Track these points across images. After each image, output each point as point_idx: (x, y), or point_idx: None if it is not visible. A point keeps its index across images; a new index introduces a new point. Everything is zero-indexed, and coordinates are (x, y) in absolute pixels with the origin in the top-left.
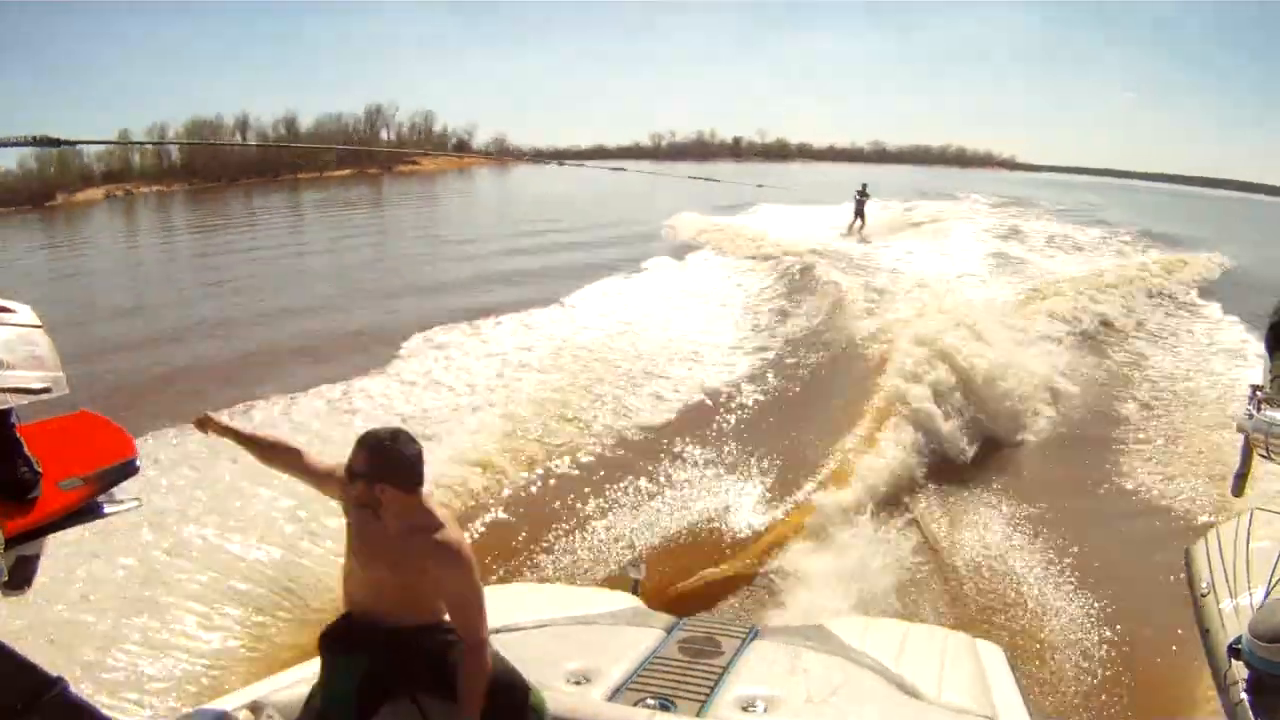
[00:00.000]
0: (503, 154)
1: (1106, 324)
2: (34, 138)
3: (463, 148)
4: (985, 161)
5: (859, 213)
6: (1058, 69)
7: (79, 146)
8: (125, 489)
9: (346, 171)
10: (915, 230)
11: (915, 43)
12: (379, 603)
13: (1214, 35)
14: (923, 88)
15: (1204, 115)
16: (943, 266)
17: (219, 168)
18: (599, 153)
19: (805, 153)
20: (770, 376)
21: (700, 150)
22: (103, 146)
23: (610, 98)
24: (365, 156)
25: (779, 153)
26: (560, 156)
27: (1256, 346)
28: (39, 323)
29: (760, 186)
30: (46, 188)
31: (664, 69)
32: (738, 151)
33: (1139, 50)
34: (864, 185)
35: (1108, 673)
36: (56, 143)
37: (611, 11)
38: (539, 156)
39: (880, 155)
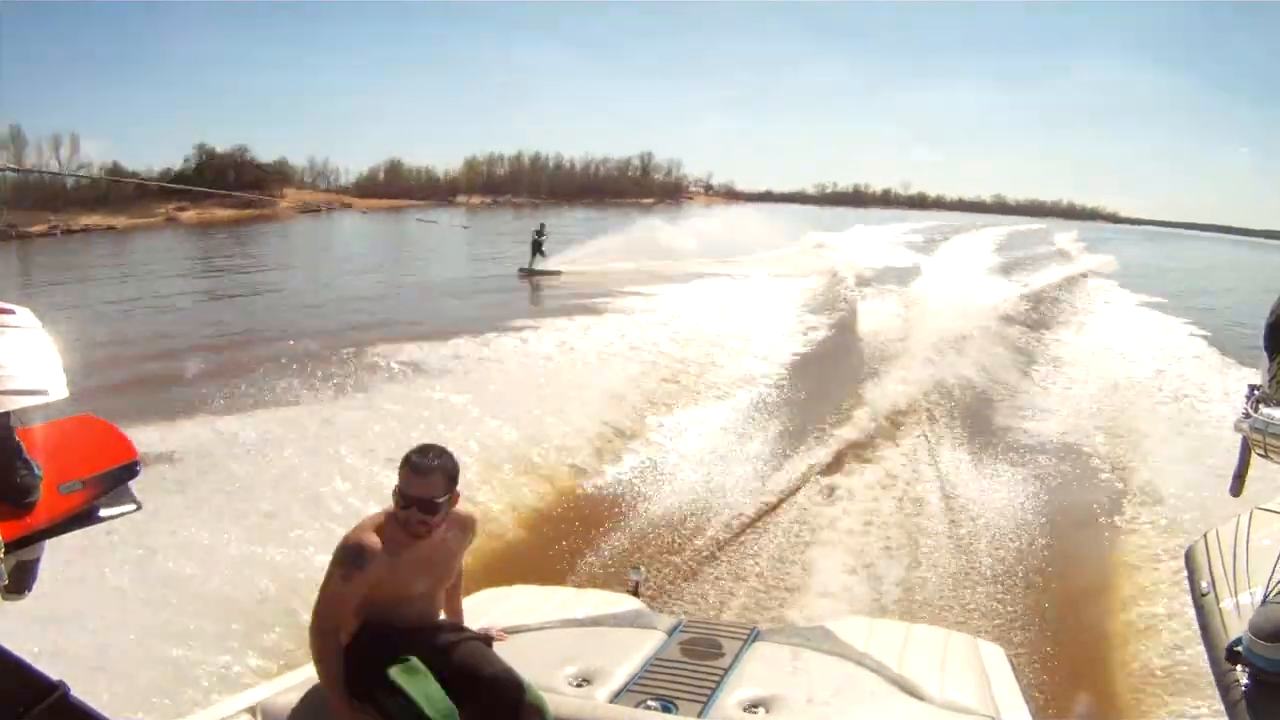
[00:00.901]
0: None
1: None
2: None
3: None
4: (1093, 215)
5: (537, 250)
6: (1170, 125)
7: (36, 176)
8: (126, 492)
9: (650, 200)
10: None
11: (1036, 103)
12: (426, 616)
13: None
14: (1042, 147)
15: None
16: None
17: (560, 192)
18: (767, 196)
19: (940, 204)
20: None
21: (857, 199)
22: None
23: (773, 152)
24: (644, 189)
25: (920, 203)
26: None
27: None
28: (38, 324)
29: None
30: (455, 191)
31: (821, 123)
32: (887, 201)
33: (1254, 105)
34: (542, 225)
35: (1109, 672)
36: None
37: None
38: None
39: (1001, 207)
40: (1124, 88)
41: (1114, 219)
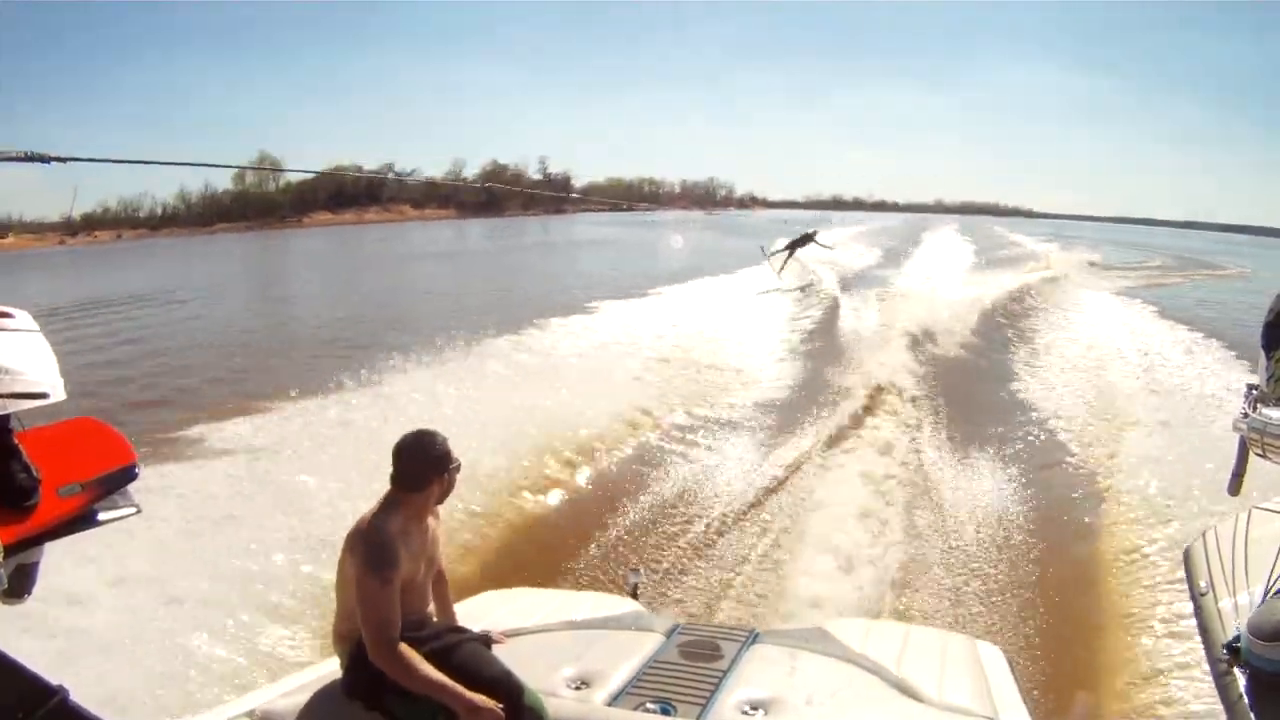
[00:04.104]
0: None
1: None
2: (26, 154)
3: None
4: (1014, 212)
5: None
6: (1079, 124)
7: (69, 163)
8: (125, 495)
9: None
10: None
11: (950, 109)
12: (420, 607)
13: (1248, 85)
14: (954, 150)
15: (1231, 164)
16: None
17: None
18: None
19: (895, 207)
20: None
21: (836, 205)
22: (151, 166)
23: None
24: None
25: (881, 206)
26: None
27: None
28: (36, 328)
29: None
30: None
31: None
32: (859, 205)
33: (1165, 103)
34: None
35: (1108, 673)
36: (46, 159)
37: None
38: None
39: (942, 208)
40: (1044, 90)
41: (1030, 214)
